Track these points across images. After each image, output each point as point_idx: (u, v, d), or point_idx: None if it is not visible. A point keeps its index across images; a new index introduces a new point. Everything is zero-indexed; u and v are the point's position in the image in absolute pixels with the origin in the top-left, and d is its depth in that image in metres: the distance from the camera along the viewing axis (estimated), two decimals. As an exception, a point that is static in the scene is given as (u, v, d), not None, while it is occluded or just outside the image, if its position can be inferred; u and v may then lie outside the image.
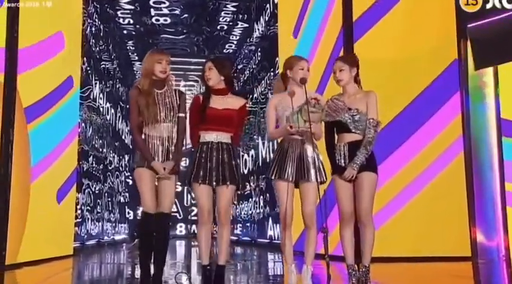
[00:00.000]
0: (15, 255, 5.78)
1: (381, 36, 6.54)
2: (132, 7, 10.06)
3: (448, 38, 6.63)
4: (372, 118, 3.86)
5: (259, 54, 10.54)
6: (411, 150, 6.43)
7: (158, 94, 3.82)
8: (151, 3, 9.96)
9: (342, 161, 3.87)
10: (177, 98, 3.87)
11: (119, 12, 10.25)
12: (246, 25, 10.88)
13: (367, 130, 3.84)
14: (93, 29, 9.80)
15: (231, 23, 10.82)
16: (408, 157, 6.42)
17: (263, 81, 10.17)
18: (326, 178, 3.86)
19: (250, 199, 10.75)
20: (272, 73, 9.35)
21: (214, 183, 3.79)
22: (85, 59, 9.05)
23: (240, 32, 11.18)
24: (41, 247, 6.47)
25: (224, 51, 12.02)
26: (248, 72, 11.40)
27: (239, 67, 12.17)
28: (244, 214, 11.32)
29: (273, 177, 3.82)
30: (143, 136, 3.80)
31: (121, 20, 10.54)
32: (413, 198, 6.37)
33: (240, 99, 4.01)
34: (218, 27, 10.99)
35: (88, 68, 9.44)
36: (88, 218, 9.50)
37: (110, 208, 11.35)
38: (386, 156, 6.35)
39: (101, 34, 10.40)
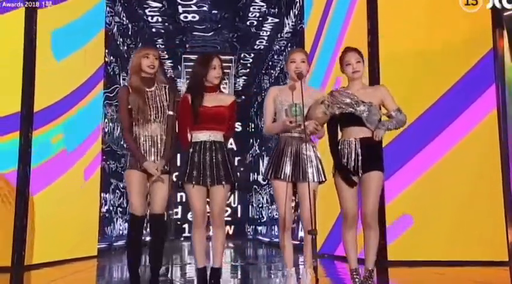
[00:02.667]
0: (36, 255, 5.80)
1: (407, 27, 6.18)
2: (160, 5, 9.97)
3: (482, 26, 6.20)
4: (397, 108, 3.68)
5: (289, 49, 10.28)
6: (442, 147, 6.05)
7: (148, 92, 3.67)
8: (179, 0, 9.84)
9: (353, 159, 3.60)
10: (167, 96, 3.71)
11: (146, 11, 10.18)
12: (276, 20, 10.63)
13: (397, 114, 3.66)
14: (121, 27, 9.77)
15: (260, 19, 10.59)
16: (439, 154, 6.04)
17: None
18: (325, 178, 3.60)
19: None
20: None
21: (209, 184, 3.62)
22: (111, 58, 9.00)
23: (271, 27, 10.94)
24: (63, 248, 6.44)
25: (255, 47, 11.81)
26: (279, 68, 11.15)
27: (270, 63, 11.94)
28: (276, 214, 11.07)
29: (269, 177, 3.60)
30: (134, 136, 3.65)
31: (149, 18, 10.47)
32: (445, 198, 5.99)
33: (230, 96, 3.89)
34: (248, 23, 10.78)
35: (115, 67, 9.40)
36: (117, 219, 9.48)
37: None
38: (415, 153, 6.06)
39: (129, 33, 10.36)
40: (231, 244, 12.29)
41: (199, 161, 3.62)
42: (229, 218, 13.93)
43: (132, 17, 10.32)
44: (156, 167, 3.57)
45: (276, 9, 10.41)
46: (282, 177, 3.53)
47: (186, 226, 14.50)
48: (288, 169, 3.53)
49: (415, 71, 6.13)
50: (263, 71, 12.80)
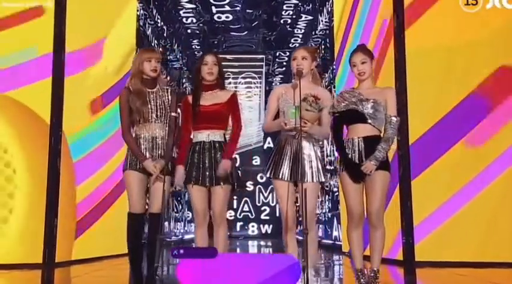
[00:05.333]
0: (67, 253, 5.98)
1: (435, 21, 6.00)
2: (194, 6, 10.07)
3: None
4: (394, 116, 3.60)
5: (322, 47, 10.18)
6: (472, 144, 5.83)
7: (150, 93, 3.74)
8: (211, 0, 9.91)
9: (356, 157, 3.55)
10: (169, 97, 3.76)
11: (181, 12, 10.30)
12: (310, 17, 10.55)
13: (388, 127, 3.59)
14: (156, 30, 9.92)
15: (294, 16, 10.54)
16: (468, 152, 5.82)
17: (326, 75, 9.81)
18: (324, 178, 3.58)
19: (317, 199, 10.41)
20: (331, 67, 8.99)
21: (207, 184, 3.67)
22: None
23: (305, 25, 10.87)
24: (93, 246, 6.60)
25: (290, 45, 11.77)
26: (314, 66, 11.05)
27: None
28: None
29: (268, 175, 3.62)
30: (134, 136, 3.73)
31: (184, 19, 10.59)
32: (476, 197, 5.78)
33: (229, 91, 3.87)
34: (282, 21, 10.75)
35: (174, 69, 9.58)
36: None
37: (180, 208, 11.45)
38: (444, 151, 5.85)
39: (164, 34, 10.51)
40: (269, 243, 12.29)
41: (198, 161, 3.67)
42: (267, 217, 13.93)
43: (167, 18, 10.45)
44: (155, 166, 3.61)
45: (310, 6, 10.34)
46: (281, 177, 3.55)
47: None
48: (287, 169, 3.54)
49: (443, 67, 5.95)
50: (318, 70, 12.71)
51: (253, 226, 13.38)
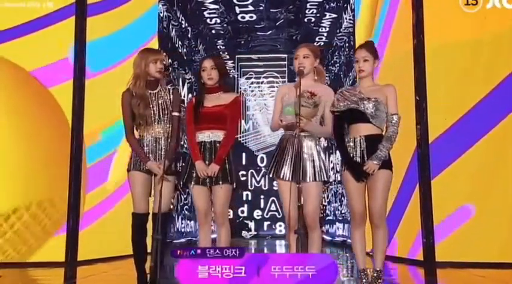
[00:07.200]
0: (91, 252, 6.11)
1: (455, 17, 5.88)
2: (218, 6, 10.11)
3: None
4: (395, 114, 3.56)
5: (346, 45, 10.09)
6: (493, 143, 5.70)
7: (152, 94, 3.76)
8: (235, 1, 9.92)
9: (358, 156, 3.52)
10: (171, 97, 3.78)
11: (205, 13, 10.35)
12: (334, 15, 10.46)
13: (389, 125, 3.56)
14: (180, 31, 10.00)
15: (318, 15, 10.46)
16: (490, 152, 5.69)
17: (350, 73, 9.72)
18: (327, 177, 3.56)
19: (343, 199, 10.33)
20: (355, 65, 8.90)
21: (208, 184, 3.71)
22: (169, 60, 9.23)
23: (329, 23, 10.79)
24: (119, 244, 6.70)
25: (315, 43, 11.70)
26: (338, 64, 10.97)
27: (331, 60, 11.78)
28: (337, 213, 10.92)
29: (271, 175, 3.65)
30: (138, 138, 3.76)
31: (208, 20, 10.64)
32: (497, 197, 5.65)
33: (232, 94, 3.89)
34: (306, 20, 10.69)
35: (176, 70, 9.65)
36: (178, 217, 9.71)
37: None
38: (464, 150, 5.73)
39: (189, 35, 10.59)
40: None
41: None
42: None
43: (191, 19, 10.51)
44: (159, 167, 3.63)
45: (334, 4, 10.25)
46: (282, 177, 3.56)
47: (252, 224, 14.42)
48: (287, 168, 3.54)
49: (464, 63, 5.84)
50: (324, 68, 12.61)
51: (280, 226, 13.31)
